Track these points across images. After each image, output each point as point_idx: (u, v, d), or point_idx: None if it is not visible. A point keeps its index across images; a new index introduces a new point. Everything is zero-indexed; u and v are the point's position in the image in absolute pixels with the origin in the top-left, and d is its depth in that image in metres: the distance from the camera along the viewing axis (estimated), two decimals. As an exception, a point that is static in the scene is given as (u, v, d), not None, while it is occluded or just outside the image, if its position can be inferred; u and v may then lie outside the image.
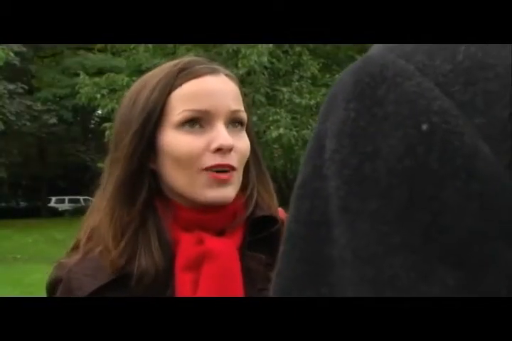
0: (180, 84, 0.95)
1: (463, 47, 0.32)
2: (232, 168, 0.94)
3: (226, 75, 0.98)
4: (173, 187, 0.96)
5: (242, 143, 0.96)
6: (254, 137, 1.04)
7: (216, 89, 0.95)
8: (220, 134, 0.93)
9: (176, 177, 0.95)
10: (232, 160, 0.94)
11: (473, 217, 0.29)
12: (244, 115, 0.98)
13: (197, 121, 0.94)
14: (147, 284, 0.92)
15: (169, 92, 0.95)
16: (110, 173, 0.98)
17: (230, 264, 0.94)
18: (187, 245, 0.94)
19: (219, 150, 0.93)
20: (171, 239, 0.95)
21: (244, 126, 0.98)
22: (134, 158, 0.95)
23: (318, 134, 0.35)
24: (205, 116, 0.94)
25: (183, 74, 0.95)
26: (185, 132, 0.94)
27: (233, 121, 0.96)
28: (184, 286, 0.92)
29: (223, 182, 0.93)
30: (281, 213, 1.03)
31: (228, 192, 0.94)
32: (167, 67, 0.98)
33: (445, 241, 0.29)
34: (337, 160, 0.33)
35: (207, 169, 0.93)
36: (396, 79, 0.32)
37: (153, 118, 0.95)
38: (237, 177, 0.95)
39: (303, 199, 0.34)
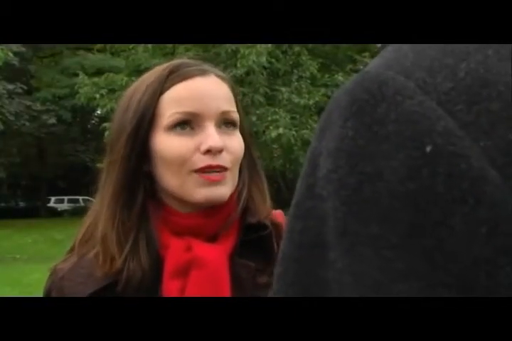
0: (170, 87, 0.95)
1: (463, 63, 0.31)
2: (223, 169, 0.93)
3: (217, 76, 0.98)
4: (166, 189, 0.96)
5: (234, 143, 0.96)
6: (249, 137, 1.03)
7: (205, 90, 0.95)
8: (210, 136, 0.93)
9: (168, 179, 0.95)
10: (224, 160, 0.93)
11: (480, 244, 0.28)
12: (236, 115, 0.97)
13: (187, 123, 0.94)
14: (134, 289, 0.92)
15: (159, 95, 0.95)
16: (107, 175, 0.98)
17: (218, 272, 0.93)
18: (176, 251, 0.94)
19: (209, 151, 0.92)
20: (160, 244, 0.94)
21: (237, 127, 0.98)
22: (130, 160, 0.95)
23: (313, 153, 0.34)
24: (194, 118, 0.94)
25: (173, 77, 0.96)
26: (175, 134, 0.94)
27: (225, 122, 0.96)
28: (171, 294, 0.92)
29: (216, 182, 0.93)
30: (279, 216, 1.02)
31: (222, 191, 0.94)
32: (157, 70, 0.99)
33: (451, 268, 0.28)
34: (334, 179, 0.31)
35: (197, 171, 0.93)
36: (396, 98, 0.30)
37: (146, 121, 0.95)
38: (230, 177, 0.95)
39: (297, 219, 0.33)
